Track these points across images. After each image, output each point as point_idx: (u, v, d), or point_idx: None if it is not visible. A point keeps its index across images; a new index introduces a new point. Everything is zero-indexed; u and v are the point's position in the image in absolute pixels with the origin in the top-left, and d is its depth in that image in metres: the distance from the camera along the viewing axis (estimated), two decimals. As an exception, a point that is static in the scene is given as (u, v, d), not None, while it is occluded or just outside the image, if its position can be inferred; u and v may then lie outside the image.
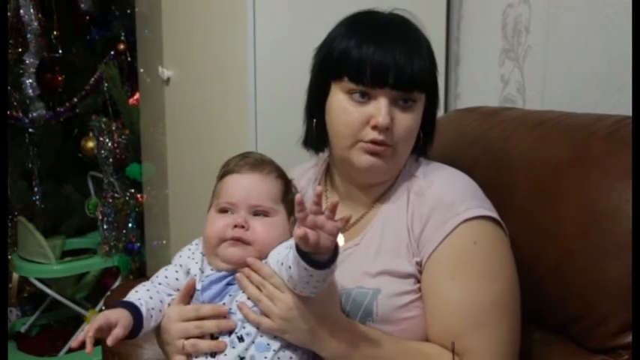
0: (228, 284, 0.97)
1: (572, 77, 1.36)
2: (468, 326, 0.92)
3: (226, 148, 1.66)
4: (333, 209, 0.81)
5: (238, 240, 0.97)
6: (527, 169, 1.08)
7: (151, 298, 0.98)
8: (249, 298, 0.94)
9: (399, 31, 0.99)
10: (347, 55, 0.97)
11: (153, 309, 0.97)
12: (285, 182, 1.05)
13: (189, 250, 1.06)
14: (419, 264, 0.97)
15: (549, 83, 1.44)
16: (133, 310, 0.94)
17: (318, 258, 0.83)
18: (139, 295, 0.98)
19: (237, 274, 0.95)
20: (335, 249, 0.84)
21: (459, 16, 1.74)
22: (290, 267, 0.87)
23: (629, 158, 0.91)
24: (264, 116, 1.53)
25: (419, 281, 0.97)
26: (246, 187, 1.01)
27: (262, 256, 0.98)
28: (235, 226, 0.97)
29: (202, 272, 0.99)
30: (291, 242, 0.87)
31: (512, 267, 0.97)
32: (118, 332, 0.90)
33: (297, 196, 0.82)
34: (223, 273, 0.98)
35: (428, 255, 0.96)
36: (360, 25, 1.01)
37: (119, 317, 0.92)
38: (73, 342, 0.89)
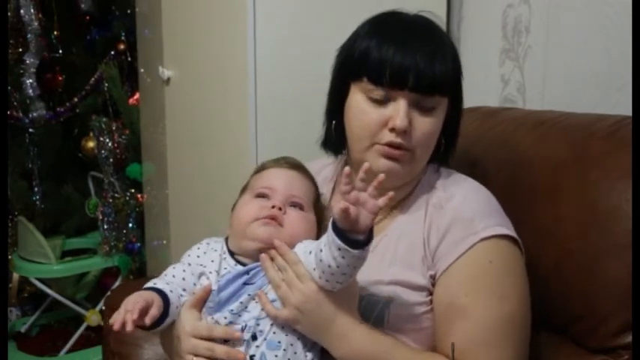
0: (245, 283, 0.95)
1: (573, 77, 1.36)
2: (476, 344, 0.91)
3: (226, 148, 1.66)
4: (378, 186, 0.81)
5: (273, 219, 0.96)
6: (528, 169, 1.08)
7: (171, 291, 0.96)
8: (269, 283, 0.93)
9: (423, 33, 0.97)
10: (367, 56, 0.96)
11: (173, 303, 0.95)
12: (317, 190, 1.06)
13: (199, 249, 1.02)
14: (432, 277, 0.96)
15: (549, 83, 1.44)
16: (163, 296, 0.94)
17: (354, 236, 0.82)
18: (160, 285, 0.96)
19: (262, 254, 0.94)
20: (370, 231, 0.83)
21: (459, 16, 1.74)
22: (322, 250, 0.86)
23: (629, 158, 0.91)
24: (264, 116, 1.53)
25: (431, 293, 0.96)
26: (287, 178, 1.02)
27: (290, 245, 0.97)
28: (273, 207, 0.97)
29: (218, 273, 0.97)
30: (322, 239, 0.87)
31: (525, 287, 0.96)
32: (154, 312, 0.90)
33: (346, 169, 0.82)
34: (240, 269, 0.96)
35: (442, 270, 0.95)
36: (382, 25, 0.99)
37: (154, 298, 0.92)
38: (115, 324, 0.85)
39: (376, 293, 0.96)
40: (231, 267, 0.98)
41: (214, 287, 0.95)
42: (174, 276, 0.99)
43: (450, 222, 0.96)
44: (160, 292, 0.94)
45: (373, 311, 0.95)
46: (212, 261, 0.99)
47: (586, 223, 0.95)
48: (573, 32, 1.35)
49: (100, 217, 2.66)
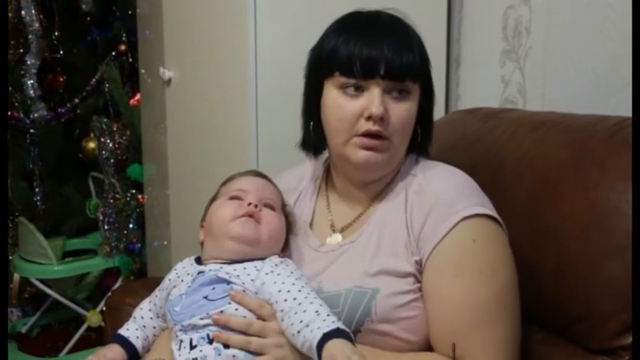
0: (206, 298, 0.95)
1: (573, 78, 1.36)
2: (469, 324, 0.92)
3: (227, 148, 1.66)
4: None
5: (251, 216, 1.00)
6: (528, 170, 1.08)
7: (137, 337, 1.05)
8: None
9: (387, 27, 1.00)
10: (336, 52, 0.99)
11: (146, 338, 1.06)
12: (283, 199, 1.11)
13: (175, 270, 1.06)
14: (418, 263, 0.97)
15: (550, 84, 1.44)
16: (128, 346, 1.04)
17: None
18: (135, 325, 1.07)
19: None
20: None
21: (460, 17, 1.74)
22: (299, 334, 0.87)
23: (629, 159, 0.91)
24: (265, 117, 1.53)
25: (418, 280, 0.97)
26: (257, 183, 1.07)
27: (267, 245, 1.00)
28: (249, 204, 1.01)
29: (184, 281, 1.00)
30: (303, 319, 0.87)
31: (511, 264, 0.97)
32: None
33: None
34: (206, 276, 0.97)
35: (428, 253, 0.95)
36: (347, 23, 1.03)
37: (115, 356, 1.01)
38: None
39: (363, 285, 0.97)
40: (193, 271, 1.00)
41: (182, 292, 0.97)
42: (142, 317, 1.08)
43: (430, 205, 0.97)
44: (125, 341, 1.04)
45: (361, 303, 0.95)
46: (178, 276, 1.03)
47: (586, 224, 0.95)
48: (574, 33, 1.36)
49: (101, 218, 2.67)
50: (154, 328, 1.07)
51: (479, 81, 1.67)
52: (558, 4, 1.40)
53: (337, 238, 1.07)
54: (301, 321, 0.87)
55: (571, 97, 1.36)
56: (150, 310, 1.08)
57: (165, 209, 2.04)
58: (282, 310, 0.91)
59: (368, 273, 0.98)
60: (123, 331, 1.06)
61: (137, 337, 1.05)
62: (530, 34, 1.49)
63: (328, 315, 0.88)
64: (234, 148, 1.62)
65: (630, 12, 1.12)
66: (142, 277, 2.60)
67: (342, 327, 0.86)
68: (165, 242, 2.09)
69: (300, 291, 0.92)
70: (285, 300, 0.91)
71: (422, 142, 1.07)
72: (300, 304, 0.90)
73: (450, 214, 0.95)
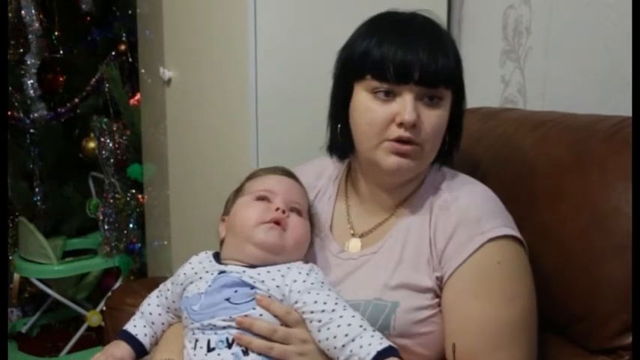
0: (228, 300, 0.93)
1: (573, 78, 1.36)
2: (488, 346, 0.91)
3: (227, 148, 1.66)
4: None
5: (277, 223, 0.97)
6: (528, 170, 1.08)
7: (145, 335, 1.03)
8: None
9: (422, 30, 0.97)
10: (369, 55, 0.95)
11: (154, 335, 1.04)
12: (309, 200, 1.08)
13: (190, 263, 1.03)
14: (439, 279, 0.96)
15: (550, 84, 1.44)
16: (135, 343, 1.02)
17: None
18: (143, 321, 1.04)
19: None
20: None
21: (460, 17, 1.74)
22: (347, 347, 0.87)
23: (629, 159, 0.91)
24: (266, 117, 1.53)
25: (437, 296, 0.96)
26: (286, 184, 1.04)
27: (289, 255, 0.98)
28: (277, 209, 0.98)
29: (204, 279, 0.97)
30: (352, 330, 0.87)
31: (532, 287, 0.96)
32: None
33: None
34: (228, 278, 0.94)
35: (451, 272, 0.94)
36: (380, 24, 0.99)
37: (123, 355, 0.99)
38: None
39: (383, 298, 0.96)
40: (213, 269, 0.98)
41: (195, 307, 0.94)
42: (150, 313, 1.05)
43: (456, 223, 0.96)
44: (132, 338, 1.02)
45: (379, 317, 0.95)
46: (205, 271, 0.99)
47: (586, 224, 0.95)
48: (574, 33, 1.36)
49: (101, 218, 2.67)
50: (163, 324, 1.05)
51: (479, 81, 1.67)
52: (558, 4, 1.40)
53: (357, 243, 1.06)
54: (346, 335, 0.87)
55: (571, 97, 1.36)
56: (159, 306, 1.05)
57: (166, 209, 2.04)
58: (319, 321, 0.89)
59: (388, 286, 0.96)
60: (130, 328, 1.03)
61: (145, 335, 1.03)
62: (530, 33, 1.49)
63: (374, 331, 0.88)
64: (234, 148, 1.62)
65: (630, 12, 1.12)
66: (142, 277, 2.60)
67: (394, 345, 0.86)
68: (166, 242, 2.09)
69: (336, 303, 0.91)
70: (323, 311, 0.90)
71: (449, 149, 1.04)
72: (341, 316, 0.89)
73: (476, 235, 0.94)
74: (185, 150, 1.89)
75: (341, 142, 1.05)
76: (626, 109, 1.06)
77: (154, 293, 1.08)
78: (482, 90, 1.66)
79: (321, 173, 1.16)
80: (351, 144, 1.03)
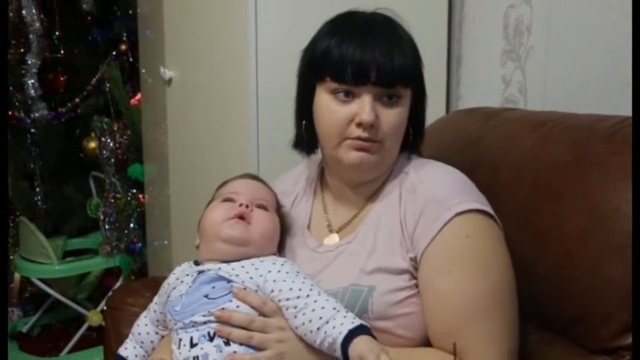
0: (207, 297, 0.95)
1: (574, 78, 1.36)
2: (465, 320, 0.92)
3: (228, 148, 1.66)
4: None
5: (242, 218, 1.01)
6: (529, 170, 1.08)
7: (136, 356, 1.07)
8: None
9: (380, 29, 1.00)
10: (328, 55, 0.98)
11: (145, 355, 1.08)
12: (278, 200, 1.12)
13: (174, 275, 1.06)
14: (413, 260, 0.97)
15: (551, 84, 1.44)
16: None
17: None
18: (133, 342, 1.08)
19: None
20: None
21: (461, 17, 1.74)
22: (319, 330, 0.88)
23: (629, 159, 0.91)
24: (266, 117, 1.53)
25: (414, 277, 0.97)
26: (251, 185, 1.09)
27: (262, 244, 1.01)
28: (240, 205, 1.01)
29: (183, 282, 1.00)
30: (323, 315, 0.88)
31: (506, 259, 0.97)
32: None
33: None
34: (206, 275, 0.97)
35: (422, 250, 0.96)
36: (340, 24, 1.02)
37: None
38: None
39: (359, 283, 0.97)
40: (192, 272, 1.00)
41: (183, 292, 0.97)
42: (139, 333, 1.09)
43: (424, 203, 0.97)
44: None
45: (357, 301, 0.96)
46: (185, 275, 1.02)
47: (587, 224, 0.95)
48: (574, 33, 1.36)
49: (102, 218, 2.67)
50: (152, 342, 1.08)
51: (480, 81, 1.67)
52: (559, 3, 1.40)
53: (334, 238, 1.08)
54: (320, 317, 0.88)
55: (571, 97, 1.36)
56: (146, 325, 1.09)
57: (166, 209, 2.04)
58: (295, 307, 0.91)
59: (364, 271, 0.98)
60: (122, 351, 1.08)
61: (135, 356, 1.07)
62: (531, 33, 1.49)
63: (347, 312, 0.89)
64: (235, 148, 1.62)
65: (630, 12, 1.12)
66: (143, 277, 2.61)
67: (365, 324, 0.87)
68: (166, 242, 2.09)
69: (311, 289, 0.93)
70: (299, 297, 0.92)
71: (414, 141, 1.07)
72: (315, 301, 0.90)
73: (443, 211, 0.95)
74: (185, 149, 1.90)
75: (306, 139, 1.09)
76: (626, 109, 1.06)
77: (143, 314, 1.11)
78: (482, 90, 1.66)
79: (299, 178, 1.19)
80: (316, 140, 1.07)
